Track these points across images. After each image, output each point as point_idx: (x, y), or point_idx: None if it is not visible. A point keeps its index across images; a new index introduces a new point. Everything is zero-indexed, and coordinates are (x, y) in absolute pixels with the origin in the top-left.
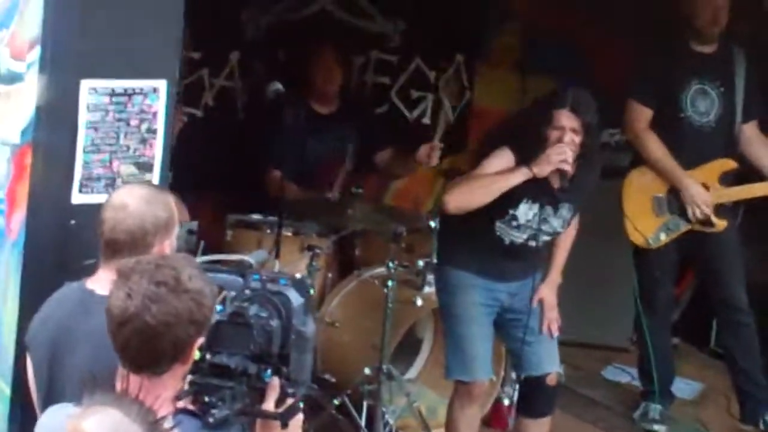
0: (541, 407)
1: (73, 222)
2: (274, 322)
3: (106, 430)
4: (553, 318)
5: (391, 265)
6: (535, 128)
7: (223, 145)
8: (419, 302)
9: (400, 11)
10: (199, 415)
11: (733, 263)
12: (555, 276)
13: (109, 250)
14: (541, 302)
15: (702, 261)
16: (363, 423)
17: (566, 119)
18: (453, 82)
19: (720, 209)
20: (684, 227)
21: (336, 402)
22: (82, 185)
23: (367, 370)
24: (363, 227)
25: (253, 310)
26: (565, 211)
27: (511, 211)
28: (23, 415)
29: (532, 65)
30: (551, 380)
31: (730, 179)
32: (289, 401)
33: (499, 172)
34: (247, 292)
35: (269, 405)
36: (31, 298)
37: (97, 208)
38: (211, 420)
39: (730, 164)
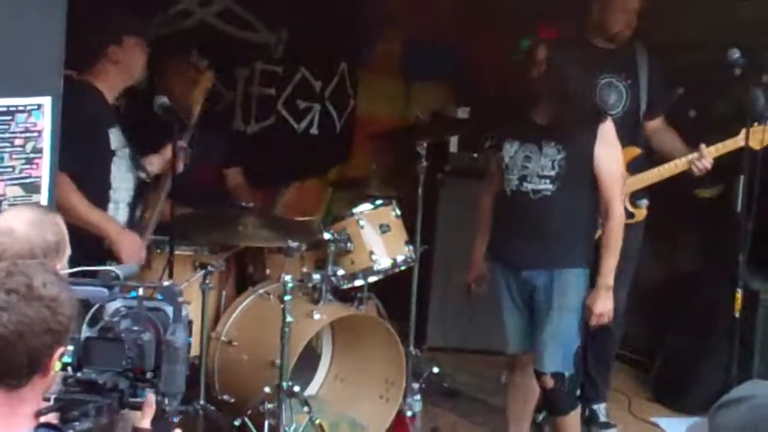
0: (549, 405)
1: None
2: (146, 336)
3: None
4: (599, 323)
5: (286, 279)
6: None
7: None
8: (317, 316)
9: (282, 21)
10: (60, 429)
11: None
12: (603, 281)
13: None
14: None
15: None
16: None
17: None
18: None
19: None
20: None
21: (236, 423)
22: None
23: (266, 389)
24: (255, 244)
25: (124, 324)
26: (551, 150)
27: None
28: None
29: (415, 72)
30: (544, 382)
31: (637, 167)
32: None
33: None
34: (123, 309)
35: (145, 422)
36: None
37: None
38: None
39: (636, 151)
